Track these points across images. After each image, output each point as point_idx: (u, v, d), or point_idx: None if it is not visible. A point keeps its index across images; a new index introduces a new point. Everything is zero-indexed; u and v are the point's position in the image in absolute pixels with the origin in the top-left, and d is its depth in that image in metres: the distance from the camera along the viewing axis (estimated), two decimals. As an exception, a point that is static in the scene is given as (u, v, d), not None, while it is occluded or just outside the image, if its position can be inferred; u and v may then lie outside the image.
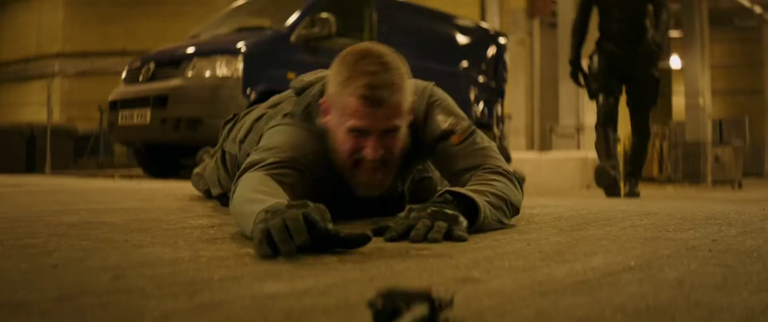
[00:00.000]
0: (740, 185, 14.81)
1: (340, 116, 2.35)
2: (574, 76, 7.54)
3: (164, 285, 1.33)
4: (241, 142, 2.98)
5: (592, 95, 7.38)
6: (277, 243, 1.66)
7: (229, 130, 3.28)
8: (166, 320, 1.04)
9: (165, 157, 9.67)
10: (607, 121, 7.24)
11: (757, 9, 21.44)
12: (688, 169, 16.67)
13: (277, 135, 2.51)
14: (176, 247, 1.89)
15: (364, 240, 1.78)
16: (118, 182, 7.16)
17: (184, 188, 5.11)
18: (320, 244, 1.72)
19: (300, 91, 2.75)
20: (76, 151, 15.38)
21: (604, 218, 2.92)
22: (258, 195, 2.05)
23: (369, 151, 2.36)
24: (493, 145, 2.63)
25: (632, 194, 7.20)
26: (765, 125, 22.56)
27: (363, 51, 2.36)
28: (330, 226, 1.71)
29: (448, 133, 2.53)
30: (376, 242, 1.92)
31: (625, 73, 7.23)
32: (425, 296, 0.93)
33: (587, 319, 1.05)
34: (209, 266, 1.58)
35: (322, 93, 2.52)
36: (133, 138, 9.25)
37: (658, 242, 2.04)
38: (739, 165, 16.08)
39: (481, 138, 2.61)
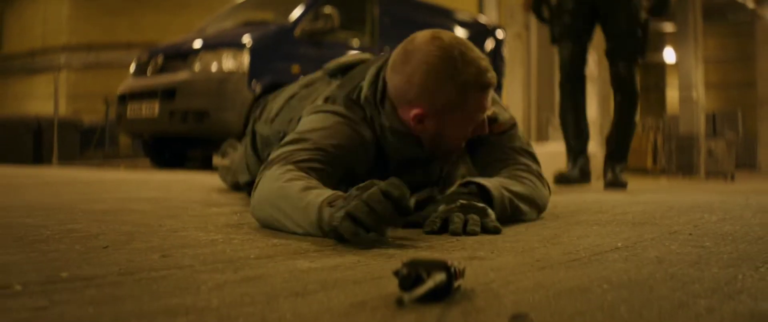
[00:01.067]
0: (733, 177, 15.01)
1: (462, 116, 2.34)
2: (536, 8, 6.04)
3: (208, 262, 1.53)
4: (272, 121, 2.96)
5: (554, 39, 5.87)
6: (366, 223, 1.72)
7: (261, 113, 3.23)
8: (220, 290, 1.23)
9: (172, 149, 9.87)
10: (572, 77, 5.71)
11: (750, 4, 21.63)
12: (682, 161, 16.89)
13: (315, 121, 2.43)
14: (207, 231, 2.09)
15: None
16: (127, 173, 7.35)
17: (195, 179, 5.31)
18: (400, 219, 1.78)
19: (333, 73, 2.78)
20: (82, 143, 15.55)
21: (596, 207, 3.13)
22: (301, 183, 2.05)
23: (483, 129, 2.41)
24: (531, 146, 2.66)
25: (616, 183, 5.44)
26: (757, 118, 22.74)
27: (443, 46, 2.28)
28: (412, 201, 1.75)
29: (491, 120, 2.48)
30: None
31: (600, 10, 5.52)
32: (443, 266, 1.12)
33: (578, 288, 1.24)
34: (243, 246, 1.77)
35: (375, 88, 2.45)
36: (142, 130, 9.45)
37: (644, 227, 2.25)
38: (731, 157, 16.29)
39: (521, 135, 2.62)
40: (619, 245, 1.82)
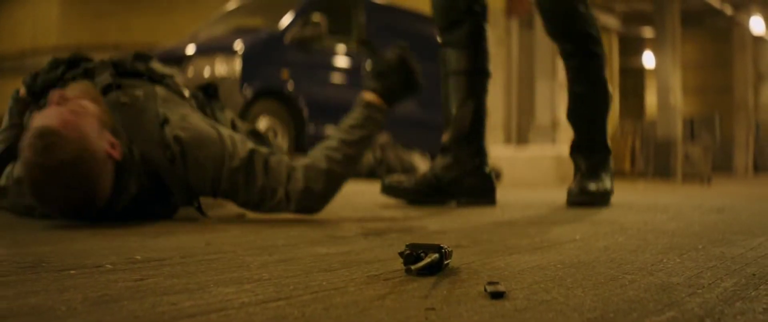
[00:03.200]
0: (709, 180, 15.42)
1: None
2: None
3: (246, 248, 1.91)
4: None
5: None
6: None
7: None
8: (265, 267, 1.60)
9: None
10: (450, 26, 3.99)
11: (728, 10, 22.10)
12: (659, 165, 17.30)
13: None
14: (231, 225, 2.48)
15: None
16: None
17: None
18: None
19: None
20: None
21: (565, 207, 3.54)
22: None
23: None
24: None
25: (584, 195, 3.80)
26: (734, 123, 23.21)
27: None
28: None
29: None
30: (388, 222, 2.49)
31: None
32: (437, 248, 1.51)
33: (538, 267, 1.62)
34: (271, 237, 2.16)
35: None
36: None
37: (600, 224, 2.65)
38: (708, 161, 16.65)
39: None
40: (577, 237, 2.22)
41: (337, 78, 10.13)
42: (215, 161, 2.63)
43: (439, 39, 4.09)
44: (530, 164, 9.99)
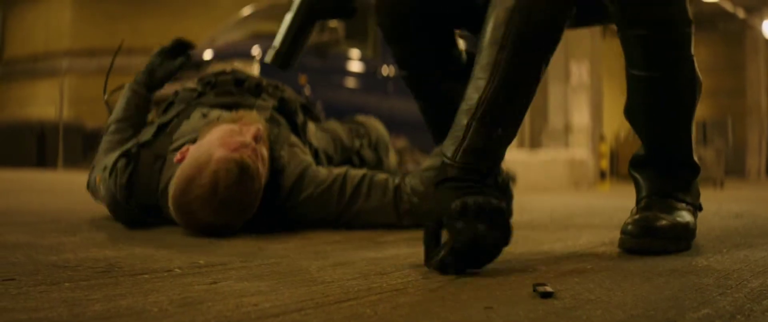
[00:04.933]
0: (722, 185, 15.48)
1: None
2: None
3: (298, 253, 2.04)
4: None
5: None
6: None
7: None
8: (324, 272, 1.71)
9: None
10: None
11: (740, 13, 22.14)
12: (672, 168, 17.37)
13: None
14: (273, 232, 2.61)
15: None
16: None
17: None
18: None
19: None
20: (85, 147, 15.88)
21: (585, 211, 3.67)
22: None
23: None
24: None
25: (648, 236, 2.13)
26: (747, 126, 23.21)
27: None
28: None
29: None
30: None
31: None
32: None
33: (577, 271, 1.73)
34: (318, 242, 2.30)
35: None
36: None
37: (598, 229, 2.77)
38: (720, 165, 16.70)
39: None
40: (606, 241, 2.35)
41: (353, 83, 10.24)
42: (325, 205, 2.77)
43: None
44: (544, 168, 10.07)
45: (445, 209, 1.68)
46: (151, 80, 3.17)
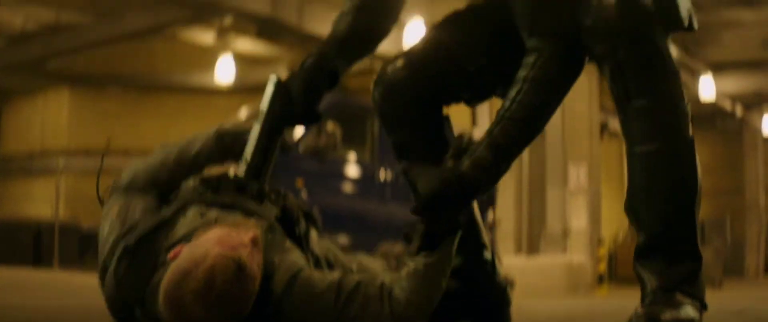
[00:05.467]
0: (721, 285, 15.37)
1: None
2: None
3: None
4: None
5: None
6: None
7: None
8: None
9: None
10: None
11: (739, 111, 22.27)
12: (672, 269, 17.26)
13: None
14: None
15: None
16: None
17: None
18: None
19: None
20: (80, 247, 15.85)
21: (584, 316, 3.57)
22: None
23: None
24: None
25: None
26: (745, 224, 23.18)
27: None
28: None
29: None
30: None
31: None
32: None
33: None
34: None
35: None
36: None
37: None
38: (719, 265, 16.65)
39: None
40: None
41: (350, 187, 10.19)
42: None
43: None
44: (542, 273, 10.01)
45: None
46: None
